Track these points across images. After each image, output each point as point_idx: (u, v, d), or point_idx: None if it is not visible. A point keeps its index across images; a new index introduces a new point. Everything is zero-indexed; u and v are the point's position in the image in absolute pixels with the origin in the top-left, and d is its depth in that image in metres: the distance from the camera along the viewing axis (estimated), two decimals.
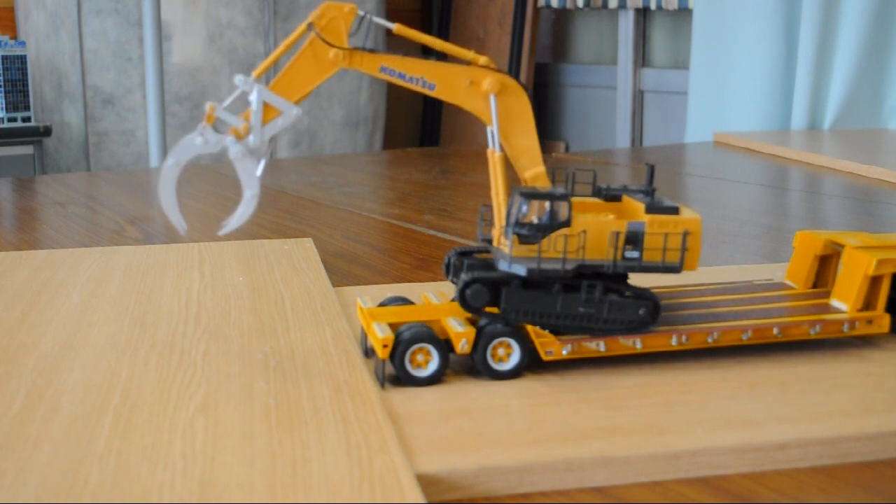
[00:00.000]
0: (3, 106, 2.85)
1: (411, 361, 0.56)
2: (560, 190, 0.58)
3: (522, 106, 0.59)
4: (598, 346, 0.58)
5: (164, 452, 0.46)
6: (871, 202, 1.28)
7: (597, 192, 0.64)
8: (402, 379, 0.56)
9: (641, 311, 0.58)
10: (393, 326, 0.57)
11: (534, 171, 0.59)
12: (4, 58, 2.84)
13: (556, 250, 0.57)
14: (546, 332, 0.58)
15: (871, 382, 0.57)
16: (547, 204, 0.57)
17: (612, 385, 0.56)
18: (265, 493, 0.42)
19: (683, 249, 0.58)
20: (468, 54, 0.58)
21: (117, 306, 0.71)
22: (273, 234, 0.99)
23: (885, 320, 0.62)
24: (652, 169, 0.62)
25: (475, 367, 0.57)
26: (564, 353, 0.57)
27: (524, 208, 0.57)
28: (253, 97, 0.57)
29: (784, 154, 1.68)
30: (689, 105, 2.49)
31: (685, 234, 0.58)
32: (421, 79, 0.58)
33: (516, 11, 3.40)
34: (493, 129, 0.59)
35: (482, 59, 0.58)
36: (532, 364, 0.58)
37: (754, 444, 0.48)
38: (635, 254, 0.58)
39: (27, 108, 2.88)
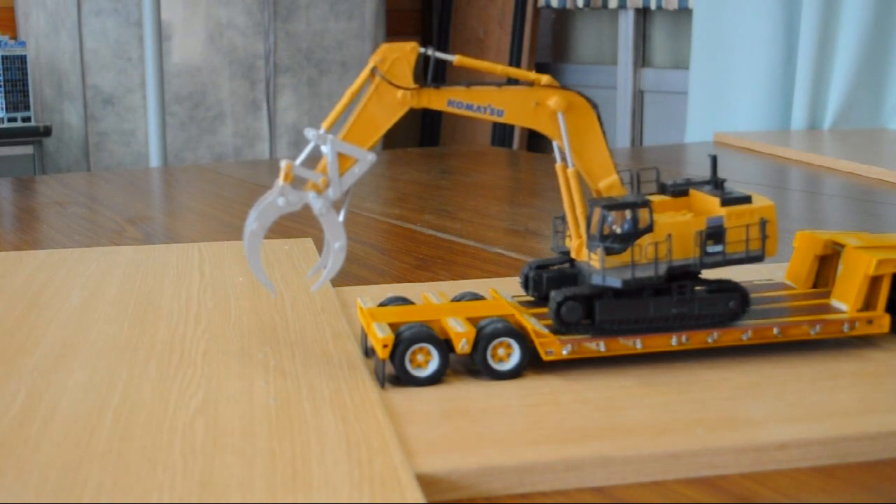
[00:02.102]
0: (3, 106, 2.85)
1: (411, 361, 0.56)
2: (640, 197, 0.58)
3: (590, 120, 0.59)
4: (598, 346, 0.58)
5: (164, 452, 0.46)
6: (871, 202, 1.28)
7: (661, 189, 0.64)
8: (402, 379, 0.56)
9: (731, 303, 0.59)
10: (393, 326, 0.57)
11: (607, 180, 0.60)
12: (4, 58, 2.84)
13: (646, 257, 0.58)
14: (546, 332, 0.58)
15: (871, 382, 0.57)
16: (628, 212, 0.57)
17: (612, 385, 0.56)
18: (265, 493, 0.42)
19: (764, 238, 0.59)
20: (530, 75, 0.58)
21: (117, 306, 0.71)
22: (273, 234, 0.99)
23: (885, 320, 0.62)
24: (714, 159, 0.62)
25: (475, 367, 0.57)
26: (564, 353, 0.57)
27: (609, 220, 0.57)
28: (327, 149, 0.57)
29: (784, 154, 1.68)
30: (689, 105, 2.49)
31: (763, 223, 0.59)
32: (488, 107, 0.58)
33: (516, 11, 3.40)
34: (563, 146, 0.59)
35: (544, 79, 0.58)
36: (532, 364, 0.58)
37: (754, 444, 0.48)
38: (718, 248, 0.59)
39: (27, 108, 2.88)
